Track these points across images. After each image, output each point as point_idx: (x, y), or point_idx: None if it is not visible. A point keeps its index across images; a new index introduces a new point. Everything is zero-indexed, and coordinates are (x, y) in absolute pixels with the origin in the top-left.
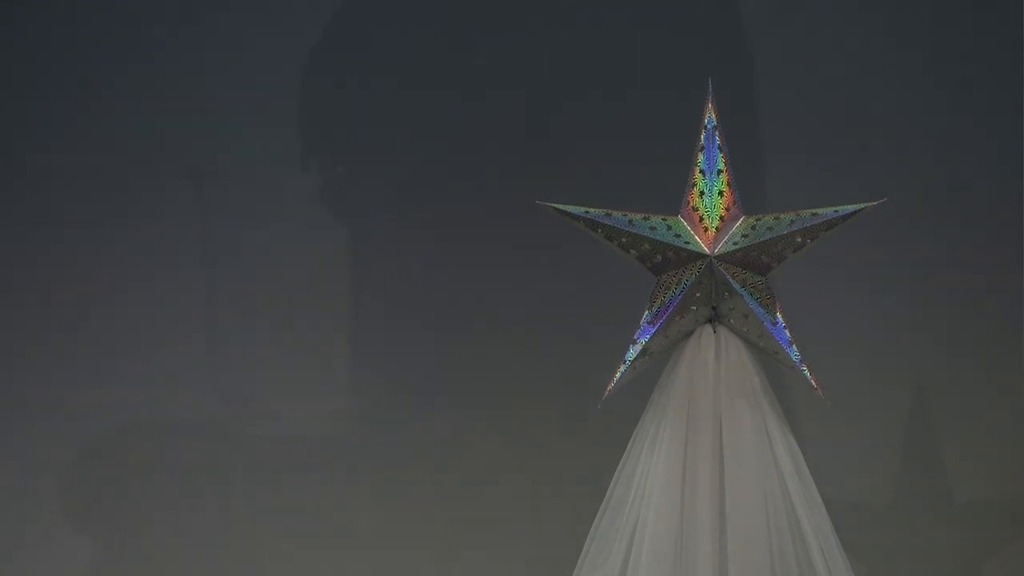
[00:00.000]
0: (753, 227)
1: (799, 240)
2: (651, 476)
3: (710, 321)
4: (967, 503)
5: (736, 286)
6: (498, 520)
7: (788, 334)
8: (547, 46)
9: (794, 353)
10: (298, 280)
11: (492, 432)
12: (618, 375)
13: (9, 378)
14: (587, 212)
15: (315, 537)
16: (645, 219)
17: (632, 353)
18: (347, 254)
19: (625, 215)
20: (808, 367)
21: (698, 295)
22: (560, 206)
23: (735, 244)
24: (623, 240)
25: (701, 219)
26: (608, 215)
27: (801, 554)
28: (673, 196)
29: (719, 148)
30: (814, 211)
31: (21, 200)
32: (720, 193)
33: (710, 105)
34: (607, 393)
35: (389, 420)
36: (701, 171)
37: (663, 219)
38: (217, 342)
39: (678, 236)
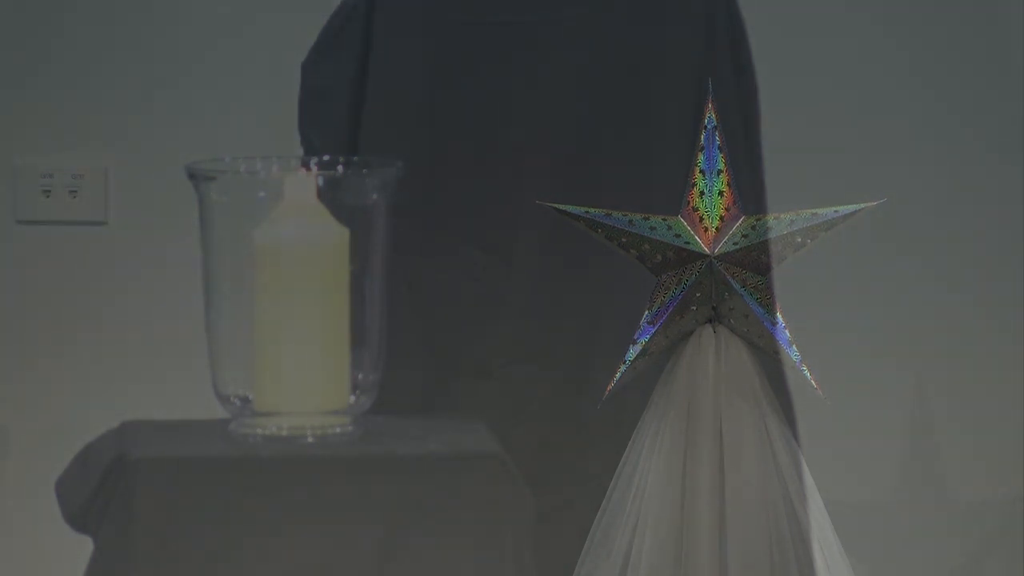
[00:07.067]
0: (753, 227)
1: (799, 240)
2: (651, 476)
3: (710, 321)
4: (967, 503)
5: (736, 286)
6: (497, 520)
7: (788, 334)
8: (546, 45)
9: (794, 353)
10: (298, 279)
11: (490, 432)
12: (618, 375)
13: (9, 378)
14: (587, 212)
15: (316, 537)
16: (645, 219)
17: (632, 353)
18: (347, 253)
19: (625, 215)
20: (808, 367)
21: (698, 295)
22: (560, 206)
23: (735, 244)
24: (623, 240)
25: (701, 219)
26: (608, 215)
27: (801, 554)
28: (673, 196)
29: (719, 148)
30: (814, 211)
31: (17, 198)
32: (720, 193)
33: (710, 105)
34: (607, 393)
35: (388, 420)
36: (701, 171)
37: (663, 219)
38: (217, 341)
39: (678, 236)
